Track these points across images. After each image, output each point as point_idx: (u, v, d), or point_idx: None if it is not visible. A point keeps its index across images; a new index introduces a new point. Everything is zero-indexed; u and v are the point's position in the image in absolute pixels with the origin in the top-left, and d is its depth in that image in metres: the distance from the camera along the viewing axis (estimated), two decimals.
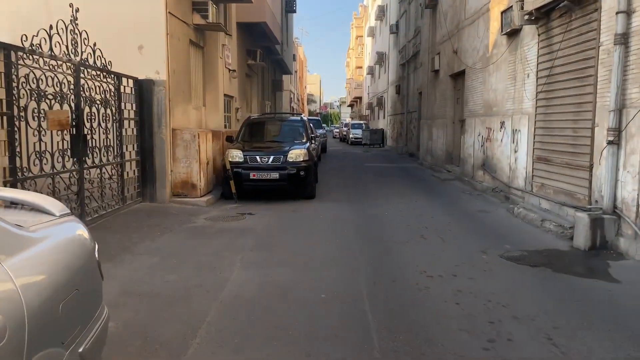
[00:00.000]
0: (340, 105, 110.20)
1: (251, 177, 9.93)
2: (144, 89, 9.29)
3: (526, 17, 8.69)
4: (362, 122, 41.45)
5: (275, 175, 9.93)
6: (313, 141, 11.58)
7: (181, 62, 10.43)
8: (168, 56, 9.50)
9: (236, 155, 10.12)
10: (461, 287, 5.00)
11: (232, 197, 10.03)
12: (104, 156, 7.76)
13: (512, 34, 9.91)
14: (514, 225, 8.12)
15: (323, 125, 33.09)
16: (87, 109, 7.22)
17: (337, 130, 51.59)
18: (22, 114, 5.59)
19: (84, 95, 7.10)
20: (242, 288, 4.90)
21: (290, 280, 5.17)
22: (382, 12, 37.45)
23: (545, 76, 8.41)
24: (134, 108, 9.05)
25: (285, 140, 11.27)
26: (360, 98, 61.78)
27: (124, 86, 8.65)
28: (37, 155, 5.92)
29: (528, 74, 9.22)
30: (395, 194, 11.35)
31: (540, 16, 8.39)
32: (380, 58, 37.55)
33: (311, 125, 14.06)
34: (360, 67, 61.74)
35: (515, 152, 9.85)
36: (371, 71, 45.81)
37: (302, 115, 12.55)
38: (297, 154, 10.17)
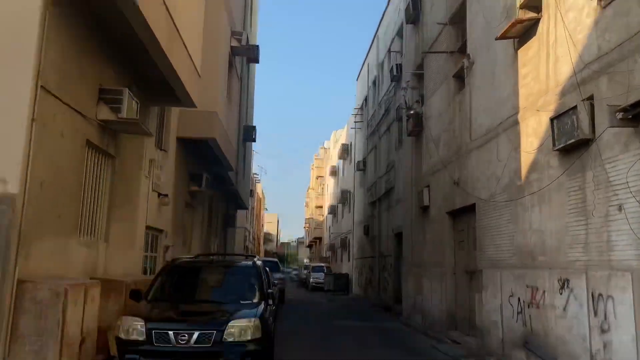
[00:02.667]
0: (297, 245, 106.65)
1: None
2: None
3: (620, 116, 5.46)
4: (323, 264, 37.34)
5: None
6: (270, 300, 7.38)
7: (62, 170, 6.52)
8: (30, 157, 5.60)
9: (132, 328, 5.81)
10: None
11: None
12: None
13: (574, 148, 6.68)
14: None
15: (282, 268, 28.82)
16: None
17: (296, 272, 47.09)
18: None
19: None
20: None
21: None
22: (346, 151, 35.78)
23: None
24: None
25: (227, 299, 7.08)
26: (320, 238, 58.37)
27: None
28: None
29: (621, 206, 5.76)
30: None
31: None
32: (345, 197, 34.95)
33: (267, 271, 10.01)
34: (321, 207, 59.39)
35: (603, 331, 5.98)
36: (333, 210, 43.07)
37: (256, 259, 8.52)
38: (242, 327, 5.95)
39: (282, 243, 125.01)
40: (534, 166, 7.90)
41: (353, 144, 32.39)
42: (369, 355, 9.91)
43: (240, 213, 33.85)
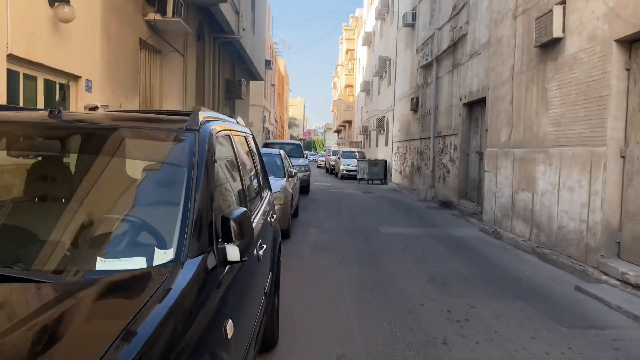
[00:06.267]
0: (325, 131, 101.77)
1: None
2: None
3: None
4: (355, 150, 32.12)
5: None
6: (262, 248, 1.90)
7: None
8: None
9: None
10: None
11: None
12: None
13: None
14: None
15: (306, 153, 23.70)
16: None
17: (323, 159, 42.26)
18: None
19: None
20: None
21: None
22: (385, 7, 28.69)
23: None
24: None
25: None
26: (350, 122, 52.79)
27: None
28: None
29: None
30: None
31: None
32: (383, 66, 28.60)
33: (281, 154, 4.58)
34: (351, 86, 52.98)
35: None
36: (367, 87, 36.86)
37: (201, 114, 2.32)
38: None
39: (309, 130, 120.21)
40: None
41: None
42: (464, 309, 4.81)
43: (256, 87, 28.23)
